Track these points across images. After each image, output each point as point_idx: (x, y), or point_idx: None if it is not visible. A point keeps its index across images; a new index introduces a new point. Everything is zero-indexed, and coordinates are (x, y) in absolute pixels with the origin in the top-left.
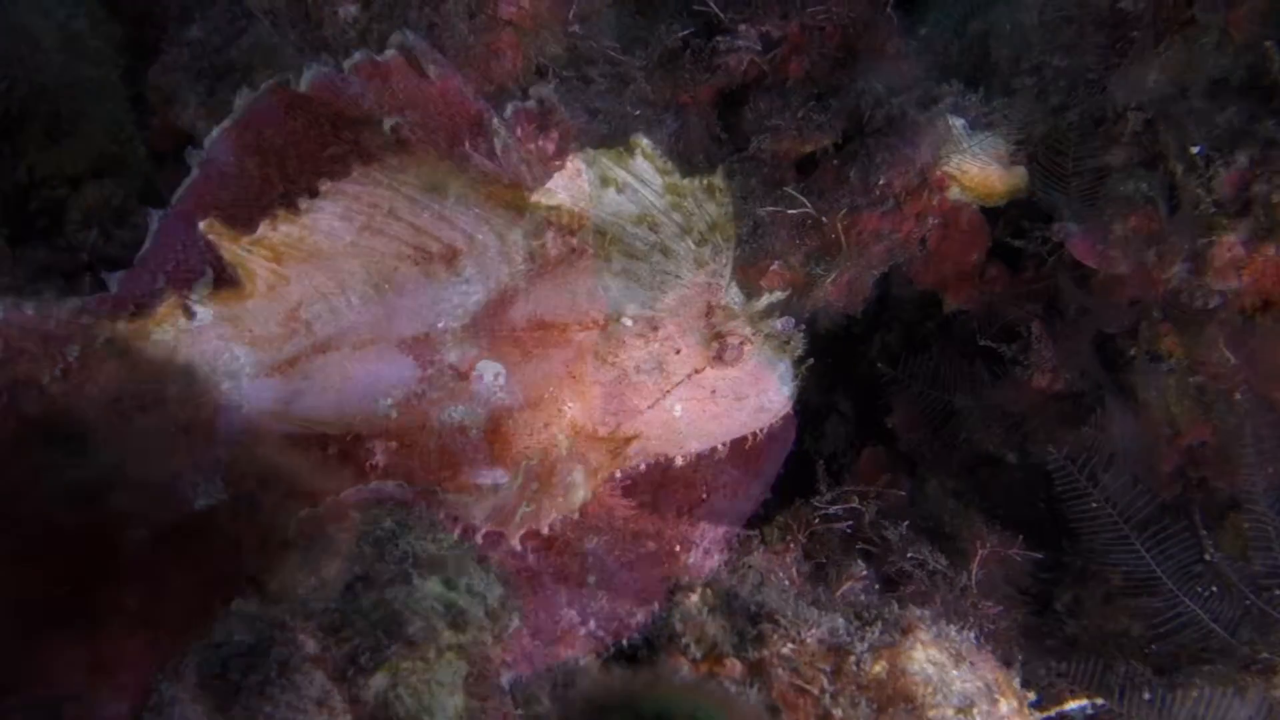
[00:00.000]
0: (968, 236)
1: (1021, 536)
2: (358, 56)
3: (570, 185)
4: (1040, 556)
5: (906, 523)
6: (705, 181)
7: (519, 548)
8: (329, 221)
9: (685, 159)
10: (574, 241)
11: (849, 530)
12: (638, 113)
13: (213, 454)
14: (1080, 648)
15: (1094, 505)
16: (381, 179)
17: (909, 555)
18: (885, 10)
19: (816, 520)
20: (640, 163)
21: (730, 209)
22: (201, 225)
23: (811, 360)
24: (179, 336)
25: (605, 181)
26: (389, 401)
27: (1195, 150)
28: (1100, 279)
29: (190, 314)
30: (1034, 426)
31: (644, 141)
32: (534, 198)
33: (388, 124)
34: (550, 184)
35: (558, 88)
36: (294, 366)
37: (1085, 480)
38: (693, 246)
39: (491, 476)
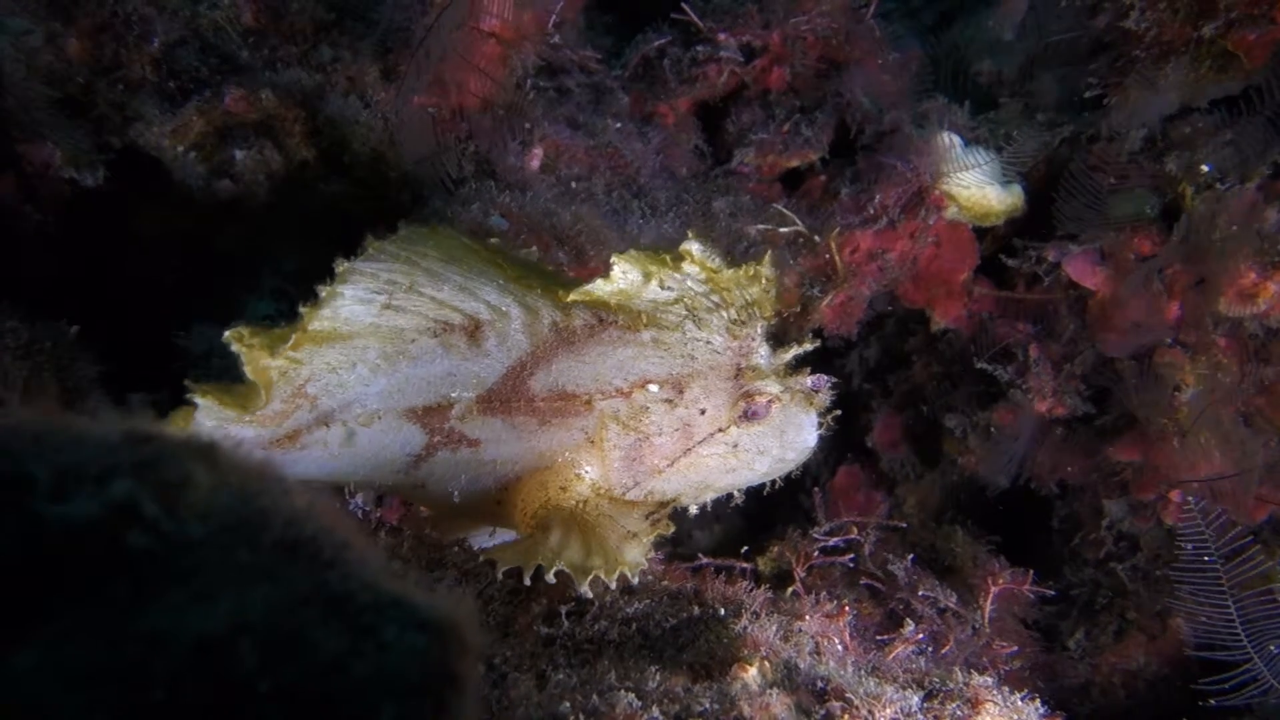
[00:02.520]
0: (958, 255)
1: (1032, 571)
2: None
3: (611, 287)
4: (1054, 593)
5: (912, 556)
6: (751, 270)
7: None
8: (350, 307)
9: (670, 173)
10: (602, 314)
11: (851, 564)
12: (618, 125)
13: (324, 578)
14: (1097, 688)
15: (1207, 559)
16: (399, 253)
17: (920, 594)
18: (866, 21)
19: (816, 554)
20: (689, 268)
21: (773, 292)
22: (227, 335)
23: (839, 411)
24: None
25: (648, 277)
26: (389, 467)
27: (1205, 169)
28: (1099, 301)
29: (192, 406)
30: (1034, 451)
31: (694, 249)
32: (570, 298)
33: None
34: (590, 287)
35: (537, 99)
36: (293, 440)
37: (1208, 527)
38: (728, 319)
39: (493, 540)
